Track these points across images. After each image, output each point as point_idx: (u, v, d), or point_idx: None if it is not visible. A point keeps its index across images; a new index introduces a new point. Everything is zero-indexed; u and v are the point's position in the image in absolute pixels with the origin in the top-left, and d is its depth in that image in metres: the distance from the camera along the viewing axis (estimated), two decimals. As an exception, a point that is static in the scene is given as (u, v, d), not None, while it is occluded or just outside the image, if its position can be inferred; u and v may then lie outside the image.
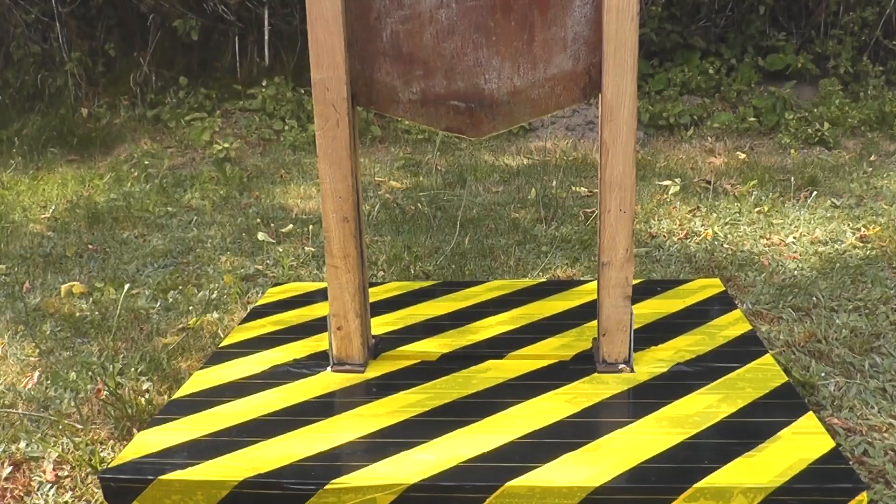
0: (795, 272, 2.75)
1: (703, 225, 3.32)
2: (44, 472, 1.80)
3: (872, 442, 1.75)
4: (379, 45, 1.69)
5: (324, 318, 1.87)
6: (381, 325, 2.06)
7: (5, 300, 2.82)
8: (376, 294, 2.26)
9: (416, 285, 2.37)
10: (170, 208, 3.93)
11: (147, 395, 2.07)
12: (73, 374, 2.22)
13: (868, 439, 1.76)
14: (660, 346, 1.87)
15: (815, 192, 3.67)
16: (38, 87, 5.95)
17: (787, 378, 1.70)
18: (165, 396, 2.07)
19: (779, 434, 1.47)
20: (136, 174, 4.62)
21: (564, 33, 1.67)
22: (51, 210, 3.99)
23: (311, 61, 1.66)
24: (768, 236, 3.17)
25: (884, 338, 2.24)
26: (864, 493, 1.30)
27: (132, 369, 2.21)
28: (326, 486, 1.37)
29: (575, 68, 1.69)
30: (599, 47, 1.64)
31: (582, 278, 2.74)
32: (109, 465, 1.49)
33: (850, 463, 1.40)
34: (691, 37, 5.65)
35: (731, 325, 1.98)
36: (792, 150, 4.54)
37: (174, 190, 4.27)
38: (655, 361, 1.80)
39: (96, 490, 1.70)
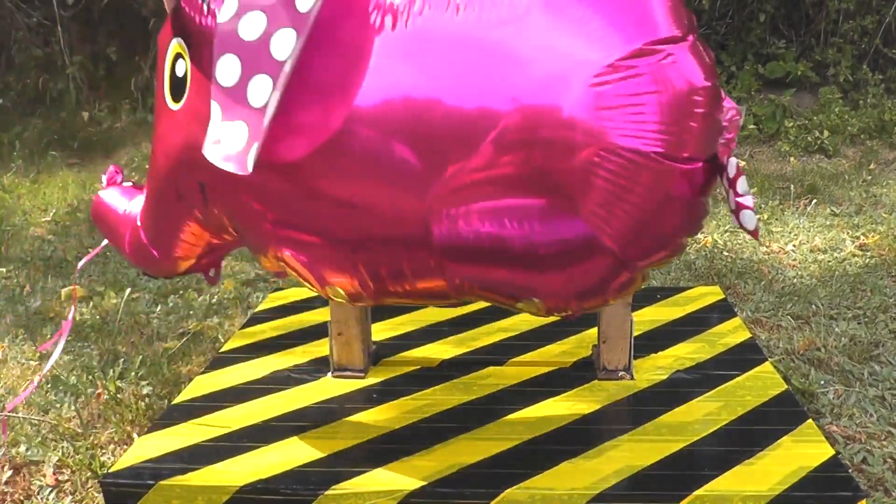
0: (795, 280, 2.76)
1: (703, 232, 3.33)
2: (44, 475, 1.80)
3: (871, 450, 1.76)
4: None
5: (324, 324, 1.87)
6: (382, 330, 2.06)
7: (6, 304, 2.83)
8: (377, 300, 2.26)
9: (417, 291, 2.37)
10: (170, 213, 3.94)
11: (147, 400, 2.08)
12: (74, 377, 2.22)
13: (867, 447, 1.77)
14: (660, 353, 1.88)
15: (814, 200, 3.68)
16: (40, 90, 5.96)
17: (786, 386, 1.71)
18: (166, 401, 2.08)
19: (778, 442, 1.47)
20: (136, 178, 4.63)
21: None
22: (51, 214, 4.00)
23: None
24: (768, 244, 3.17)
25: (883, 346, 2.24)
26: (864, 501, 1.31)
27: (132, 373, 2.22)
28: (326, 492, 1.37)
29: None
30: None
31: (582, 285, 2.74)
32: (110, 470, 1.50)
33: (850, 471, 1.41)
34: (691, 44, 5.66)
35: (730, 333, 1.98)
36: (792, 158, 4.55)
37: (175, 194, 4.28)
38: (655, 369, 1.80)
39: (96, 494, 1.70)
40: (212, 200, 1.22)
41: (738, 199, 1.04)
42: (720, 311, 2.13)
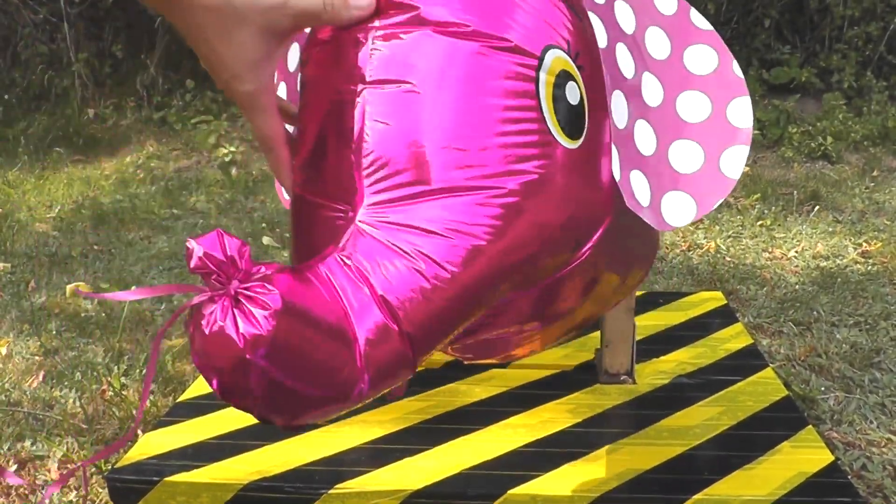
0: (797, 286, 2.77)
1: (705, 237, 3.34)
2: (49, 470, 1.81)
3: (871, 457, 1.77)
4: (389, 56, 1.71)
5: (329, 324, 1.88)
6: (385, 331, 2.06)
7: (11, 299, 2.84)
8: (380, 300, 2.27)
9: (420, 292, 2.38)
10: (175, 211, 3.96)
11: (152, 397, 2.09)
12: (79, 374, 2.24)
13: (867, 454, 1.78)
14: (661, 357, 1.89)
15: (817, 207, 3.69)
16: (45, 87, 5.98)
17: (787, 392, 1.72)
18: (170, 399, 2.09)
19: (778, 447, 1.48)
20: (141, 176, 4.65)
21: (573, 47, 1.68)
22: (56, 210, 4.01)
23: (321, 70, 1.68)
24: (770, 250, 3.18)
25: (884, 353, 2.25)
26: (862, 508, 1.32)
27: (137, 371, 2.23)
28: (330, 491, 1.39)
29: (582, 81, 1.71)
30: (607, 61, 1.66)
31: (584, 288, 2.75)
32: (115, 466, 1.51)
33: (849, 477, 1.42)
34: (696, 49, 5.66)
35: (732, 339, 1.99)
36: (795, 164, 4.56)
37: (179, 192, 4.30)
38: (657, 373, 1.81)
39: (101, 490, 1.72)
40: (589, 256, 0.97)
41: None
42: (722, 317, 2.14)
